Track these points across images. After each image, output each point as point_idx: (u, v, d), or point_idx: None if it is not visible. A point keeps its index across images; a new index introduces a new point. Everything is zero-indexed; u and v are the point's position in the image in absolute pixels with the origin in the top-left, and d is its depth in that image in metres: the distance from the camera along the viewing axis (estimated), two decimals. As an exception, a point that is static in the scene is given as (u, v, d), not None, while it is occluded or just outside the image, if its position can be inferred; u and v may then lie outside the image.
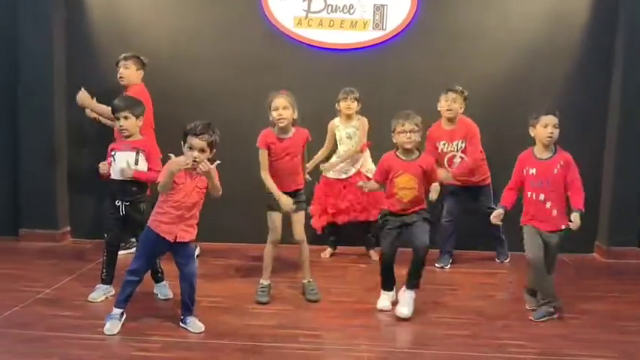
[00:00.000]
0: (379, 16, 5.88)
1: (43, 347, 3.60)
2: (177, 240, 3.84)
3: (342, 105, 5.46)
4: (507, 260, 5.61)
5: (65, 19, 5.91)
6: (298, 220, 4.54)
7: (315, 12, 5.90)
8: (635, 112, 5.74)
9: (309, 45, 5.92)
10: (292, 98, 4.44)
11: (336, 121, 5.58)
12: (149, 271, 4.27)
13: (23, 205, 5.90)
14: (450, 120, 5.30)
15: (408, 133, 4.20)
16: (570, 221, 4.20)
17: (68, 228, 6.08)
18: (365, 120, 5.51)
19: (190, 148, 3.76)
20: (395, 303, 4.35)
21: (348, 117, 5.50)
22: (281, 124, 4.39)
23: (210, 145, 3.79)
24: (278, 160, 4.43)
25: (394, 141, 4.30)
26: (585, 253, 6.01)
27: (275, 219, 4.47)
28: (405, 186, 4.24)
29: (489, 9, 5.88)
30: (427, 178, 4.31)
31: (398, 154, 4.31)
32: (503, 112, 5.80)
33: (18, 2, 5.75)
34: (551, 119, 4.23)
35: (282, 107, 4.37)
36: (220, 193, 3.91)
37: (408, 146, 4.23)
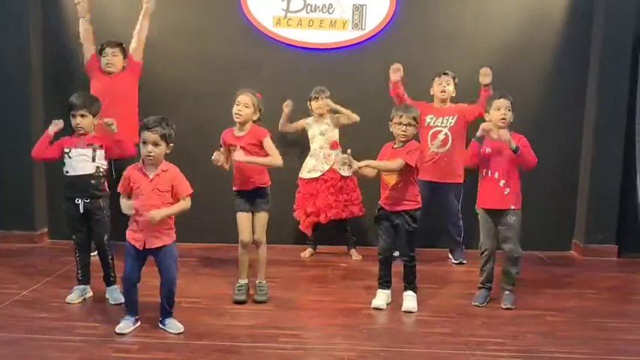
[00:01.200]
0: (358, 15, 5.89)
1: (20, 350, 3.56)
2: (147, 247, 3.79)
3: (314, 104, 5.54)
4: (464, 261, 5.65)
5: (41, 20, 5.86)
6: (257, 220, 4.51)
7: (294, 11, 5.89)
8: (611, 111, 5.81)
9: (288, 44, 5.92)
10: (259, 100, 4.46)
11: (309, 120, 5.61)
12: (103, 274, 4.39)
13: (0, 207, 5.83)
14: (443, 101, 5.46)
15: (404, 126, 4.26)
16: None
17: (46, 229, 6.02)
18: (337, 116, 5.58)
19: (144, 143, 3.73)
20: (389, 304, 4.44)
21: (321, 115, 5.56)
22: (236, 119, 4.43)
23: (164, 137, 3.75)
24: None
25: (390, 129, 4.35)
26: (563, 250, 6.08)
27: (241, 219, 4.47)
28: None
29: (467, 8, 5.92)
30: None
31: (394, 144, 4.36)
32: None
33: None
34: (503, 102, 4.43)
35: (243, 104, 4.41)
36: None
37: (402, 139, 4.30)
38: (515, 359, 3.64)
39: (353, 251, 5.71)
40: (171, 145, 3.81)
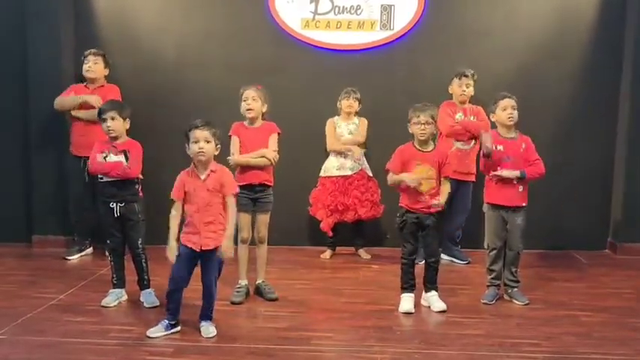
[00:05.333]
0: (386, 16, 5.88)
1: (56, 353, 3.61)
2: (203, 248, 3.81)
3: (344, 103, 5.56)
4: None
5: (74, 25, 5.95)
6: (262, 220, 4.56)
7: (322, 13, 5.90)
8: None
9: (316, 47, 5.93)
10: (264, 93, 4.51)
11: (336, 119, 5.63)
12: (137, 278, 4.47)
13: (36, 212, 5.94)
14: (462, 102, 5.46)
15: (423, 125, 4.25)
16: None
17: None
18: (365, 120, 5.61)
19: (196, 142, 3.78)
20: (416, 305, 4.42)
21: (348, 115, 5.58)
22: (249, 115, 4.47)
23: (215, 136, 3.82)
24: (245, 151, 4.46)
25: (409, 131, 4.34)
26: (598, 249, 5.99)
27: (242, 219, 4.49)
28: (423, 176, 4.27)
29: (496, 7, 5.88)
30: (440, 170, 4.34)
31: (415, 144, 4.35)
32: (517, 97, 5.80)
33: (26, 9, 5.78)
34: (509, 102, 4.50)
35: (252, 98, 4.46)
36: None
37: (422, 138, 4.29)
38: (552, 360, 3.60)
39: (361, 251, 5.77)
40: (219, 146, 3.87)
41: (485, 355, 3.66)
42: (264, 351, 3.67)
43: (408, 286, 4.42)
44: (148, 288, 4.49)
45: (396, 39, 5.90)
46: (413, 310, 4.34)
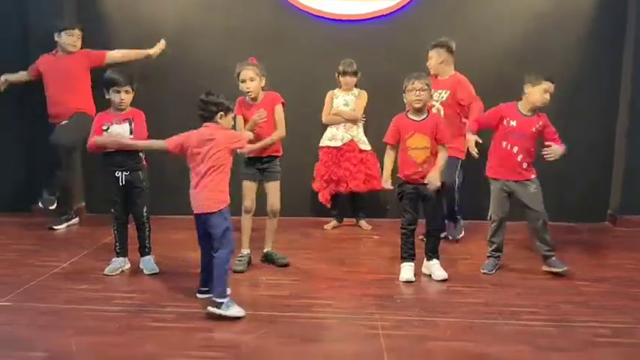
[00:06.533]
0: (389, -15, 5.83)
1: (59, 320, 3.66)
2: (199, 211, 3.80)
3: (342, 81, 5.55)
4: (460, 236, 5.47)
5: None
6: (272, 189, 4.60)
7: (325, -18, 5.84)
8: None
9: (316, 16, 5.88)
10: (259, 67, 4.51)
11: (336, 90, 5.63)
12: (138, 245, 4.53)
13: (37, 181, 5.94)
14: (435, 75, 5.21)
15: (418, 92, 4.25)
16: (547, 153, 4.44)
17: (83, 203, 6.13)
18: (365, 93, 5.58)
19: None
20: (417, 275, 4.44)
21: (348, 88, 5.55)
22: (250, 96, 4.50)
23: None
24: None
25: (404, 100, 4.35)
26: (598, 222, 6.01)
27: (247, 187, 4.55)
28: (418, 146, 4.29)
29: (500, -24, 5.83)
30: (435, 139, 4.34)
31: (408, 115, 4.36)
32: (516, 81, 5.75)
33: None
34: (551, 87, 4.40)
35: (249, 79, 4.47)
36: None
37: (417, 105, 4.28)
38: (549, 328, 3.62)
39: (363, 222, 5.80)
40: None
41: (484, 322, 3.70)
42: (266, 317, 3.71)
43: (407, 255, 4.45)
44: (149, 255, 4.53)
45: (399, 9, 5.85)
46: (413, 279, 4.37)
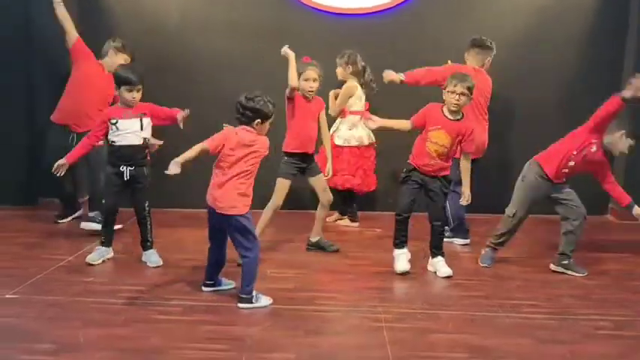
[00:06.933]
0: (392, -20, 5.85)
1: (66, 312, 3.69)
2: (223, 211, 3.74)
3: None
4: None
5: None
6: (321, 182, 4.80)
7: (327, -23, 5.87)
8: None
9: (319, 10, 5.91)
10: (320, 68, 4.65)
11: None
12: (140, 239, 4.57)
13: (42, 175, 5.97)
14: None
15: (458, 95, 4.25)
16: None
17: (87, 197, 6.15)
18: (349, 86, 5.49)
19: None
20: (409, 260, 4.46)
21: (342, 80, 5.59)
22: (310, 95, 4.63)
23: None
24: (297, 124, 4.64)
25: (444, 97, 4.34)
26: (600, 214, 6.04)
27: (285, 186, 4.66)
28: (438, 141, 4.29)
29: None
30: (460, 143, 4.35)
31: (444, 110, 4.34)
32: (519, 73, 5.81)
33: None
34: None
35: (313, 79, 4.59)
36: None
37: (454, 108, 4.29)
38: (550, 321, 3.67)
39: (347, 220, 5.79)
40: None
41: (486, 315, 3.74)
42: (271, 310, 3.76)
43: (399, 242, 4.45)
44: (151, 249, 4.58)
45: (401, 3, 5.87)
46: (408, 268, 4.39)
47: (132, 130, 4.36)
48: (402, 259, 4.44)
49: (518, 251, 4.95)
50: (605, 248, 5.10)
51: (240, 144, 3.72)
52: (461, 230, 5.19)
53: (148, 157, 4.52)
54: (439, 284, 4.29)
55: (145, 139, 4.43)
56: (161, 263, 4.51)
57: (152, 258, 4.55)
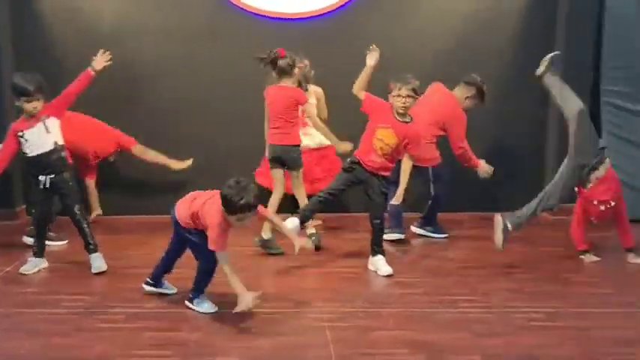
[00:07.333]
0: (329, -16, 5.91)
1: (9, 323, 3.66)
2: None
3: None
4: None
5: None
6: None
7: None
8: (576, 74, 5.93)
9: (255, 14, 5.94)
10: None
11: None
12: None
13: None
14: None
15: (404, 99, 4.34)
16: None
17: (24, 206, 6.05)
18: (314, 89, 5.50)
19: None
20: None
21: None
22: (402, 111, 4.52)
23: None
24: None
25: (390, 101, 4.41)
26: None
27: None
28: (384, 139, 4.39)
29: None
30: (405, 146, 4.44)
31: (394, 111, 4.41)
32: (458, 71, 5.95)
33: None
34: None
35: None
36: None
37: (401, 111, 4.38)
38: (486, 314, 3.81)
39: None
40: None
41: (426, 311, 3.86)
42: (215, 314, 3.77)
43: (304, 216, 4.54)
44: (96, 252, 4.51)
45: (341, 6, 5.95)
46: (294, 229, 4.32)
47: (39, 138, 4.32)
48: (291, 221, 4.42)
49: (456, 247, 5.10)
50: (539, 243, 5.28)
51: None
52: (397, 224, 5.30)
53: (69, 161, 4.47)
54: (380, 282, 4.39)
55: (55, 142, 4.36)
56: (104, 268, 4.46)
57: (95, 263, 4.48)
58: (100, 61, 4.44)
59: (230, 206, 3.50)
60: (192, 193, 3.84)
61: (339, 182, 4.49)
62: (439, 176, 5.25)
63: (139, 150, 5.46)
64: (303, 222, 4.54)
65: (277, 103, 4.85)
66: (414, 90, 4.35)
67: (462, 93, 5.27)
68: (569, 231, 4.88)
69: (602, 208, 4.63)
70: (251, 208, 3.54)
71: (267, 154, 5.03)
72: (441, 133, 5.21)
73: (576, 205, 4.82)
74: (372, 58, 4.41)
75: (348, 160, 4.53)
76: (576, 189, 4.79)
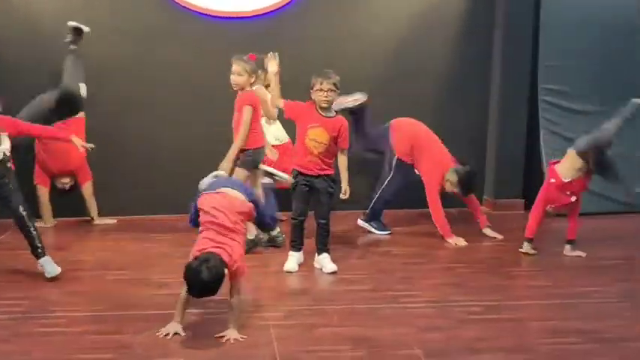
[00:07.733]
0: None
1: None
2: None
3: None
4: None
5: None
6: None
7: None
8: (515, 74, 6.12)
9: (201, 14, 5.90)
10: (252, 65, 4.63)
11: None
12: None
13: None
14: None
15: (326, 92, 4.38)
16: None
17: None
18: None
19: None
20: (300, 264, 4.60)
21: None
22: (235, 88, 4.63)
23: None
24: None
25: (312, 97, 4.45)
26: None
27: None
28: (316, 139, 4.43)
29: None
30: (336, 140, 4.48)
31: (317, 108, 4.45)
32: (398, 73, 6.05)
33: None
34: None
35: (237, 73, 4.59)
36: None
37: (324, 105, 4.42)
38: (428, 309, 3.89)
39: None
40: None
41: (370, 307, 3.91)
42: (159, 317, 3.69)
43: (294, 244, 4.60)
44: (44, 256, 4.35)
45: (284, 5, 5.96)
46: (296, 269, 4.52)
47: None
48: (291, 260, 4.57)
49: (401, 244, 5.18)
50: (481, 238, 5.39)
51: None
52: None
53: (12, 167, 4.34)
54: (325, 280, 4.43)
55: (3, 153, 4.25)
56: (58, 272, 4.30)
57: (47, 267, 4.30)
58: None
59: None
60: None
61: (298, 200, 4.53)
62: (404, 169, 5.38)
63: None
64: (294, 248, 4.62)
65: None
66: (334, 84, 4.40)
67: (450, 175, 5.29)
68: (529, 214, 4.97)
69: (573, 199, 4.81)
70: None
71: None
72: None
73: (541, 190, 4.91)
74: (272, 66, 4.56)
75: (290, 178, 4.59)
76: (548, 174, 4.92)
